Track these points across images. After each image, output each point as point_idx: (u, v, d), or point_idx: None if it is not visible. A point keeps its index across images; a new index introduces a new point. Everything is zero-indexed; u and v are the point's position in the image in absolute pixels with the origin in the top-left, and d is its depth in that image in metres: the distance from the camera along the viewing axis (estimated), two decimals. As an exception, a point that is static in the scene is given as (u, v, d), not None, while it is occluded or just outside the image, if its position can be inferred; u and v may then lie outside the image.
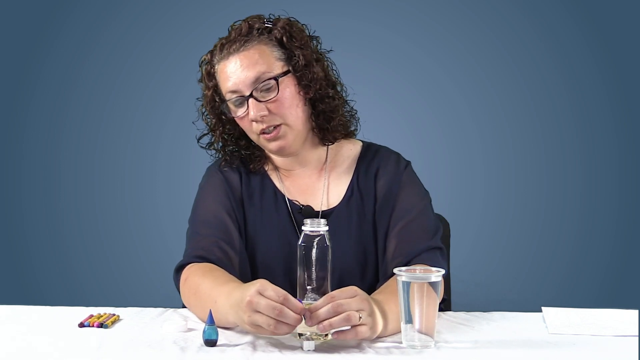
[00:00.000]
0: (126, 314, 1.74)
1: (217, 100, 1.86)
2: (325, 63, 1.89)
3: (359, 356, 1.45)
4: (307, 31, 1.88)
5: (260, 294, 1.45)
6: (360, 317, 1.45)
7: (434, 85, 3.06)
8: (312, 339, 1.49)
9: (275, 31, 1.82)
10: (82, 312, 1.73)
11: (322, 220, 1.54)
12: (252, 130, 1.82)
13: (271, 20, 1.85)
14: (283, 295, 1.44)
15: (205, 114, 1.91)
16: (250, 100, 1.78)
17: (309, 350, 1.47)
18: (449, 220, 2.10)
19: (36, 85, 3.12)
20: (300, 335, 1.52)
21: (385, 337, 1.56)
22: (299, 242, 1.53)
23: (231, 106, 1.83)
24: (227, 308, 1.53)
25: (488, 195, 3.06)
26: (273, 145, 1.83)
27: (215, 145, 1.93)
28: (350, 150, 1.94)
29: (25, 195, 3.14)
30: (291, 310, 1.44)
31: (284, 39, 1.82)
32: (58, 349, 1.50)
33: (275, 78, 1.79)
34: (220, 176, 1.90)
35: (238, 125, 1.87)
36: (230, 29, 1.86)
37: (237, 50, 1.81)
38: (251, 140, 1.89)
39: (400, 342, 1.51)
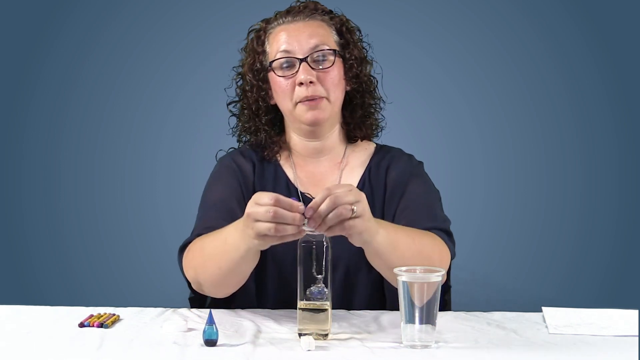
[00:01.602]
0: (126, 314, 1.74)
1: (260, 65, 1.90)
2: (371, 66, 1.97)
3: (359, 356, 1.45)
4: (360, 34, 1.97)
5: (257, 203, 1.48)
6: (353, 210, 1.48)
7: (434, 85, 3.06)
8: (312, 338, 1.49)
9: (337, 19, 1.91)
10: (82, 312, 1.73)
11: (322, 220, 1.54)
12: (293, 96, 1.85)
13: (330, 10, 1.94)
14: (274, 197, 1.47)
15: (240, 83, 1.95)
16: (303, 64, 1.83)
17: (309, 350, 1.47)
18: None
19: (36, 85, 3.12)
20: (300, 334, 1.53)
21: (375, 246, 1.58)
22: (299, 242, 1.53)
23: (278, 63, 1.86)
24: (237, 238, 1.56)
25: (488, 195, 3.06)
26: (309, 115, 1.85)
27: (245, 112, 1.95)
28: (365, 149, 1.98)
29: (25, 195, 3.14)
30: (285, 209, 1.46)
31: (344, 28, 1.91)
32: (58, 349, 1.50)
33: (335, 51, 1.86)
34: (233, 165, 1.93)
35: (267, 102, 1.91)
36: (293, 4, 1.93)
37: (303, 19, 1.88)
38: (274, 122, 1.94)
39: (401, 342, 1.51)
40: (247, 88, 1.94)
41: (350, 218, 1.49)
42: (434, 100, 3.06)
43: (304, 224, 1.49)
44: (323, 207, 1.47)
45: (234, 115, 2.00)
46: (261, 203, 1.48)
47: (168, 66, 3.09)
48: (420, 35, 3.05)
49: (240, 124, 1.99)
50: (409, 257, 1.63)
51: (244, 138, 2.00)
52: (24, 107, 3.12)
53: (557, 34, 3.03)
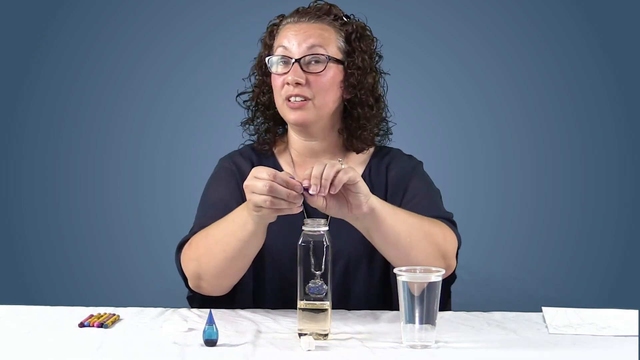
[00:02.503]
0: (126, 314, 1.74)
1: (266, 59, 1.92)
2: (378, 78, 1.94)
3: (359, 356, 1.45)
4: (375, 45, 1.94)
5: (255, 177, 1.55)
6: (340, 162, 1.59)
7: (434, 85, 3.06)
8: (312, 338, 1.49)
9: (349, 26, 1.90)
10: (82, 312, 1.73)
11: (322, 220, 1.54)
12: (281, 92, 1.86)
13: (350, 16, 1.93)
14: (271, 173, 1.54)
15: (255, 74, 1.97)
16: (295, 64, 1.84)
17: (309, 350, 1.47)
18: (449, 220, 2.10)
19: (36, 85, 3.12)
20: (300, 334, 1.53)
21: (378, 211, 1.62)
22: (299, 242, 1.53)
23: (274, 59, 1.87)
24: (245, 215, 1.63)
25: (488, 195, 3.06)
26: (293, 115, 1.86)
27: (251, 102, 1.97)
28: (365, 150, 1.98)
29: (25, 195, 3.14)
30: (280, 185, 1.53)
31: (353, 36, 1.89)
32: (58, 349, 1.50)
33: (328, 57, 1.85)
34: (232, 167, 1.95)
35: (270, 96, 1.92)
36: (312, 4, 1.93)
37: (308, 21, 1.88)
38: (278, 118, 1.94)
39: (401, 342, 1.51)
40: (261, 80, 1.96)
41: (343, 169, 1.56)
42: (434, 100, 3.06)
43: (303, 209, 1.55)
44: (315, 169, 1.55)
45: (246, 107, 2.00)
46: (259, 177, 1.55)
47: (168, 66, 3.09)
48: (421, 36, 3.05)
49: (251, 114, 1.99)
50: (411, 226, 1.67)
51: (251, 131, 2.01)
52: (24, 107, 3.12)
53: (558, 34, 3.03)
